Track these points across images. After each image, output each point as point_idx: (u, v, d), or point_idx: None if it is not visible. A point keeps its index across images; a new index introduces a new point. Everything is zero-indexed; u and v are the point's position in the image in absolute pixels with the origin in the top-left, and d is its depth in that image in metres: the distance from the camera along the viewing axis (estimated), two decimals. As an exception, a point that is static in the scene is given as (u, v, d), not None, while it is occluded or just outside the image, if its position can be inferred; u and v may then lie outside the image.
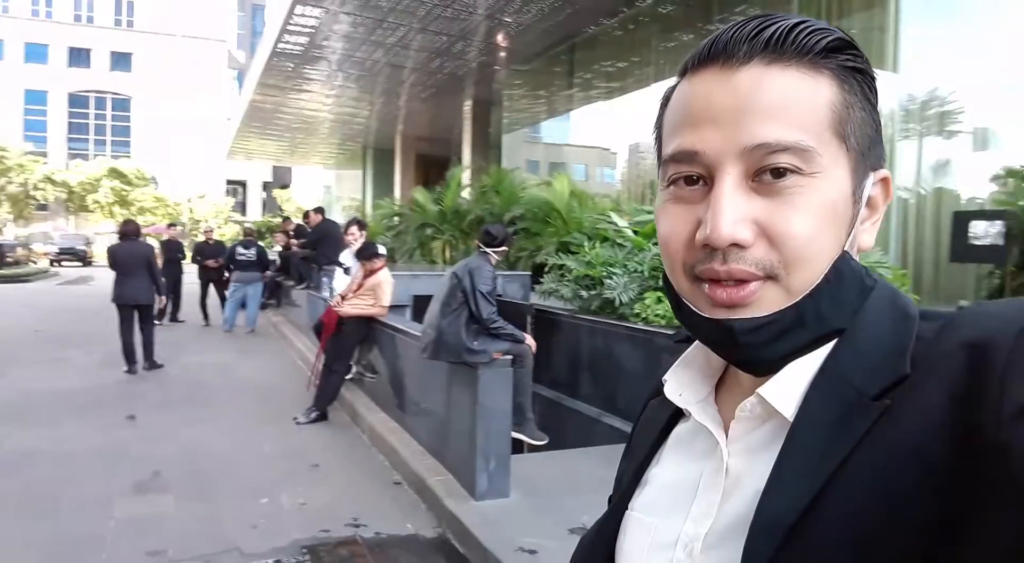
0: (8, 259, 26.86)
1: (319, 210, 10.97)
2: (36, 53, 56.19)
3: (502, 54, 16.27)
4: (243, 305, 11.47)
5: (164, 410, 6.44)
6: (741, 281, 0.52)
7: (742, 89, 0.52)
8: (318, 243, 9.96)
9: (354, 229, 7.63)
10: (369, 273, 6.25)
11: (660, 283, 5.59)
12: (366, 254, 6.28)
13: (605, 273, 5.76)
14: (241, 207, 56.37)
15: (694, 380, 0.63)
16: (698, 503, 0.57)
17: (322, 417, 6.03)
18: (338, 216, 25.73)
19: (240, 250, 11.43)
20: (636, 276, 5.63)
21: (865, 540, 0.44)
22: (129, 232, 8.46)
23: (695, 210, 0.54)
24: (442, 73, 17.58)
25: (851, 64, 0.54)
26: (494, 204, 11.81)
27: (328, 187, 36.66)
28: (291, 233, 12.77)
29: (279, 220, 19.39)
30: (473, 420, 3.99)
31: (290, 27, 14.86)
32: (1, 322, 12.62)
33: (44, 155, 50.08)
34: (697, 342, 0.63)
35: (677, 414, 0.65)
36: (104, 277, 26.65)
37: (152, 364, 8.34)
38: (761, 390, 0.54)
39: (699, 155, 0.53)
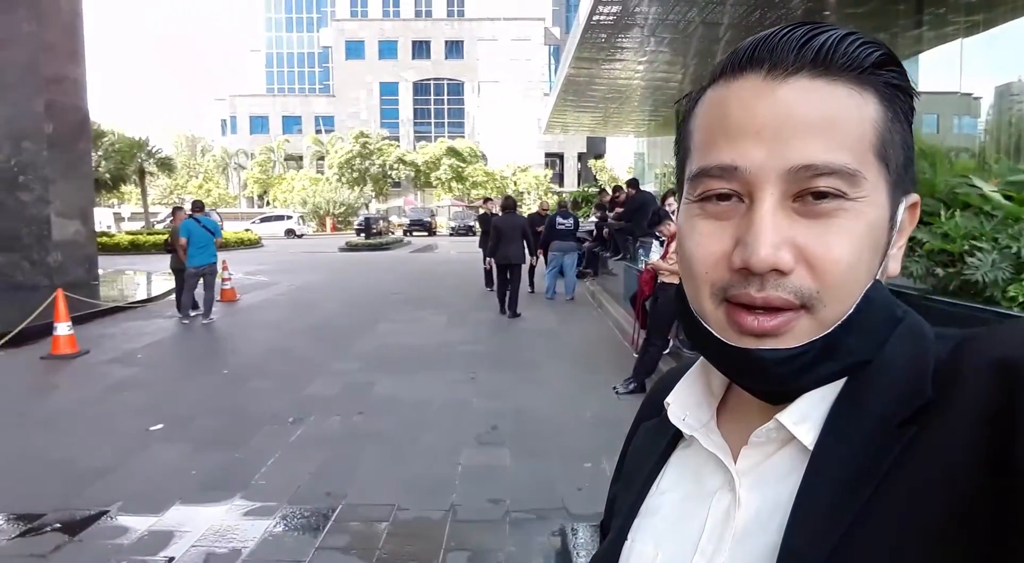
0: (374, 230, 31.90)
1: (632, 183, 11.10)
2: (388, 49, 65.01)
3: (832, -3, 14.70)
4: (561, 273, 12.11)
5: (500, 370, 7.10)
6: (775, 309, 0.49)
7: (789, 103, 0.49)
8: (634, 214, 10.10)
9: (671, 199, 7.59)
10: (671, 238, 6.28)
11: None
12: (653, 221, 6.38)
13: (967, 248, 4.93)
14: (559, 178, 59.62)
15: (697, 403, 0.61)
16: (708, 535, 0.54)
17: (640, 389, 6.13)
18: (651, 185, 25.87)
19: (559, 220, 12.03)
20: (1009, 253, 4.72)
21: None
22: (508, 206, 10.56)
23: (727, 227, 0.51)
24: (762, 26, 16.44)
25: (895, 81, 0.51)
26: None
27: (640, 155, 36.99)
28: (605, 205, 13.12)
29: (595, 191, 20.01)
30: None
31: (603, -3, 15.08)
32: (369, 285, 15.05)
33: (396, 139, 58.15)
34: (699, 363, 0.61)
35: (676, 437, 0.62)
36: (444, 246, 30.23)
37: (513, 313, 10.09)
38: (780, 416, 0.51)
39: (739, 171, 0.50)
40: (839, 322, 0.50)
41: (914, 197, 0.55)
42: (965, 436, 0.44)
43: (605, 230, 12.24)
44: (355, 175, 51.05)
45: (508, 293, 10.30)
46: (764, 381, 0.52)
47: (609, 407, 5.79)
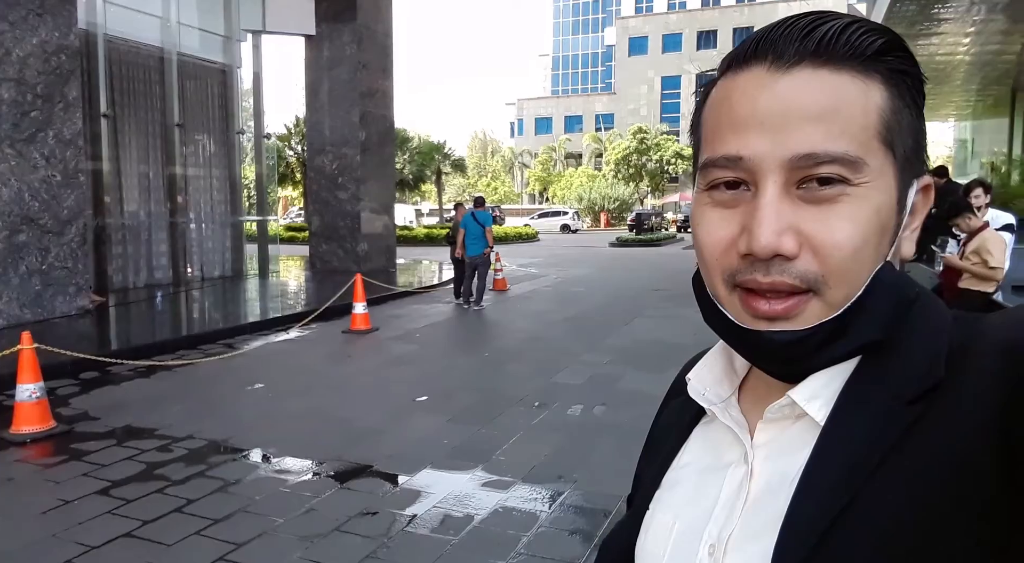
0: (645, 226, 31.93)
1: (939, 171, 9.71)
2: (672, 42, 64.23)
3: None
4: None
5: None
6: (784, 293, 0.51)
7: (791, 93, 0.50)
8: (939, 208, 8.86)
9: (979, 191, 6.50)
10: (971, 235, 5.37)
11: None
12: (950, 212, 5.49)
13: None
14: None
15: (718, 380, 0.62)
16: (722, 505, 0.56)
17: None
18: (975, 174, 22.47)
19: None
20: None
21: (900, 551, 0.44)
22: None
23: (735, 215, 0.53)
24: None
25: (901, 66, 0.52)
26: None
27: (963, 142, 32.35)
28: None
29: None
30: None
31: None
32: (633, 280, 15.09)
33: (676, 134, 57.27)
34: (720, 343, 0.62)
35: (699, 414, 0.64)
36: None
37: None
38: (792, 393, 0.53)
39: (743, 161, 0.51)
40: (848, 304, 0.51)
41: (926, 179, 0.55)
42: (972, 415, 0.45)
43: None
44: (631, 171, 51.45)
45: None
46: (777, 361, 0.54)
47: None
